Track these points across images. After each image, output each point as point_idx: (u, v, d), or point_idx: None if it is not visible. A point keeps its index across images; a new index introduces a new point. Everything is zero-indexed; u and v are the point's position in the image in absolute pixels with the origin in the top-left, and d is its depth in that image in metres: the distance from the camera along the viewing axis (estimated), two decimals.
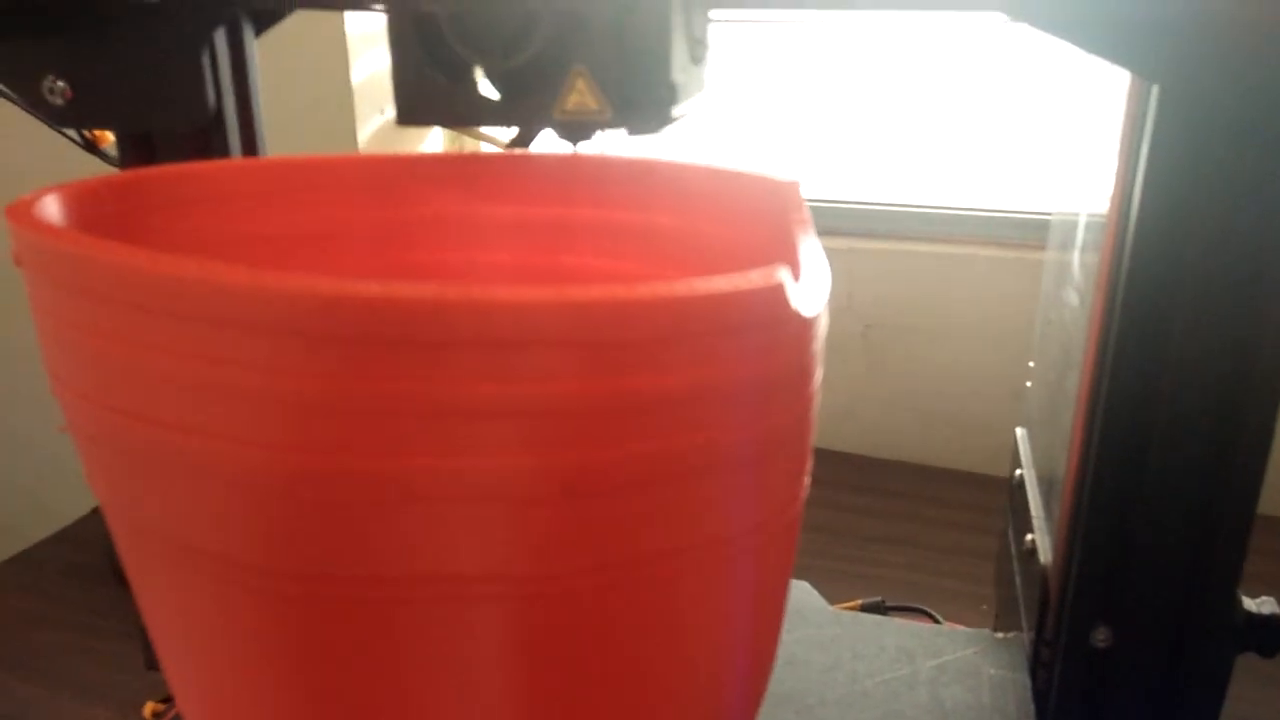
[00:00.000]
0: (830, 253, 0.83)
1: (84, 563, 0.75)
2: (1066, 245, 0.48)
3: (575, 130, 0.26)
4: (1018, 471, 0.54)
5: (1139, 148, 0.33)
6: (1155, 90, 0.31)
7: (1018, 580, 0.49)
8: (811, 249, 0.28)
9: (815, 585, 0.50)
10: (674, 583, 0.25)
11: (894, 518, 0.89)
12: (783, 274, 0.22)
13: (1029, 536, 0.47)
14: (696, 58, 0.27)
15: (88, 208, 0.28)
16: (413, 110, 0.26)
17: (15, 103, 0.33)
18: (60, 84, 0.32)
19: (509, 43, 0.25)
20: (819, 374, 0.26)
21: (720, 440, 0.23)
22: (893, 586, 0.79)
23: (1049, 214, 0.55)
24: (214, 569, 0.24)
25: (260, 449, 0.22)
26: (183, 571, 0.25)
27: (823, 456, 0.92)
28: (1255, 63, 0.29)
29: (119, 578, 0.69)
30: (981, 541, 0.64)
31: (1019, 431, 0.57)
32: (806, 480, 0.28)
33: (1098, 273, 0.37)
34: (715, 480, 0.24)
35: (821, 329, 0.25)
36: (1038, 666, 0.43)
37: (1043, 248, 0.54)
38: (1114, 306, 0.35)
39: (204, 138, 0.36)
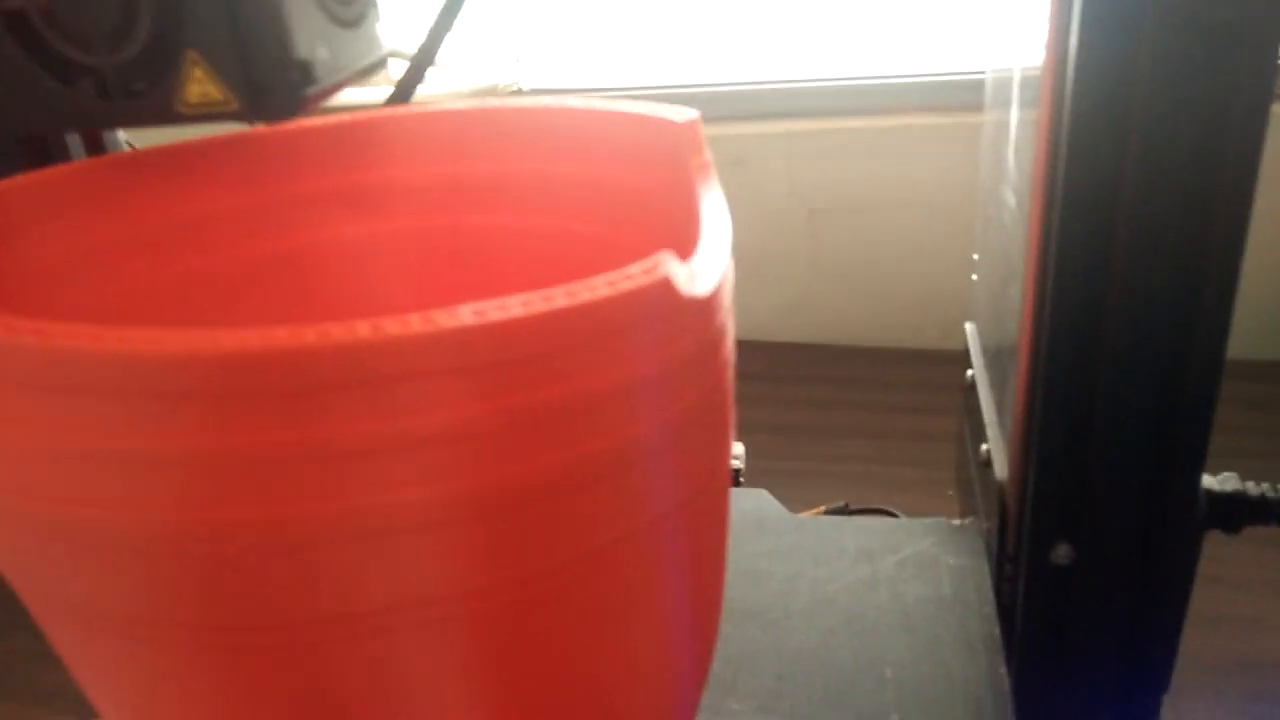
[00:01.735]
0: (768, 138, 0.79)
1: None
2: (1003, 104, 0.44)
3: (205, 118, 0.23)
4: (969, 372, 0.52)
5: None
6: None
7: (976, 488, 0.48)
8: (712, 199, 0.26)
9: (775, 490, 0.48)
10: (606, 577, 0.23)
11: (850, 408, 0.86)
12: (668, 263, 0.19)
13: (984, 447, 0.45)
14: (348, 21, 0.24)
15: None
16: (16, 118, 0.23)
17: None
18: None
19: (113, 34, 0.22)
20: (730, 338, 0.23)
21: (632, 435, 0.21)
22: (853, 482, 0.77)
23: (984, 73, 0.50)
24: (123, 630, 0.23)
25: (139, 511, 0.21)
26: (96, 636, 0.24)
27: (774, 349, 0.90)
28: None
29: None
30: (940, 424, 0.63)
31: (969, 327, 0.54)
32: (732, 442, 0.26)
33: (1036, 138, 0.35)
34: (633, 473, 0.21)
35: (726, 295, 0.22)
36: (1002, 582, 0.42)
37: (981, 109, 0.50)
38: (1055, 179, 0.33)
39: None
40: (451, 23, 0.34)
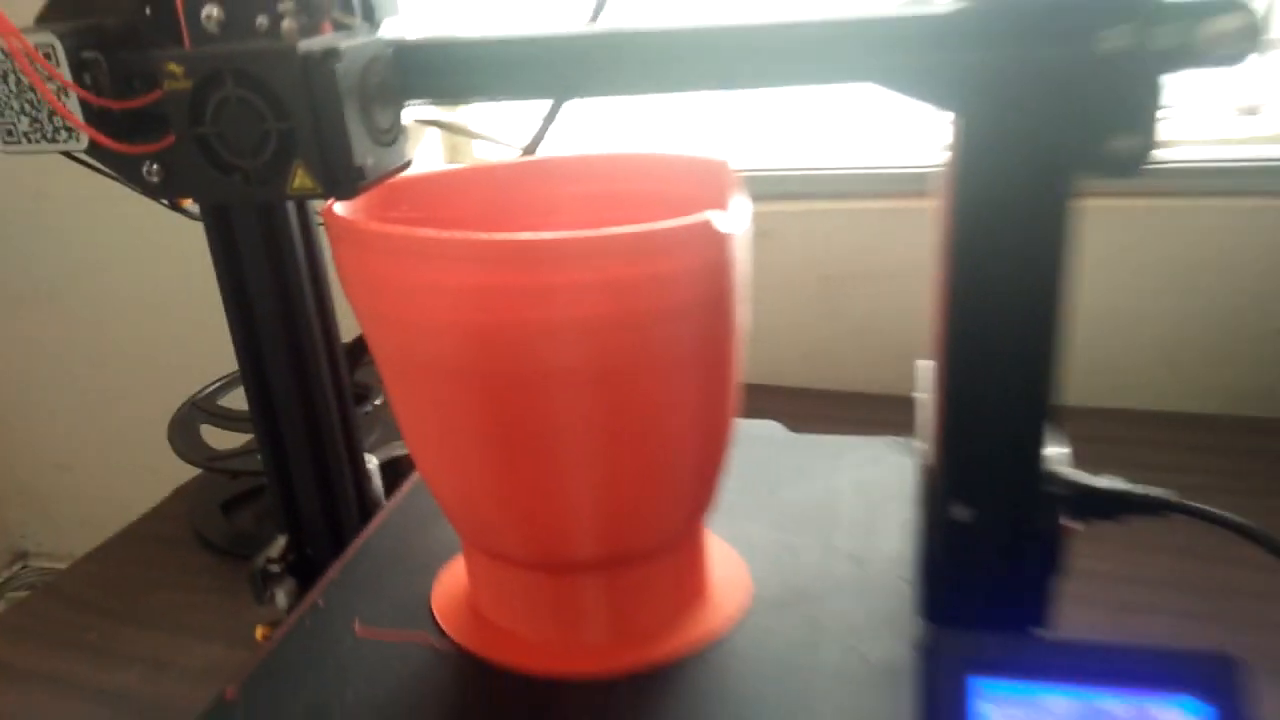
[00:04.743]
0: (789, 215, 0.97)
1: (174, 535, 0.90)
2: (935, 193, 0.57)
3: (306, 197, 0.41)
4: (914, 394, 0.66)
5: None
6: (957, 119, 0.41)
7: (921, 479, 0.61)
8: (737, 199, 0.46)
9: None
10: (663, 375, 0.44)
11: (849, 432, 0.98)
12: (709, 215, 0.41)
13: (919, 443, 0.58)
14: (384, 142, 0.42)
15: (372, 199, 0.49)
16: (202, 194, 0.42)
17: (118, 180, 0.46)
18: (156, 167, 0.45)
19: (254, 149, 0.40)
20: (742, 260, 0.45)
21: (688, 300, 0.42)
22: None
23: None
24: (431, 373, 0.44)
25: (460, 313, 0.41)
26: (421, 376, 0.45)
27: (787, 393, 1.07)
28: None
29: (204, 545, 0.86)
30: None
31: (919, 364, 0.68)
32: (740, 317, 0.47)
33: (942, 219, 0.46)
34: (686, 322, 0.43)
35: (743, 244, 0.45)
36: (933, 546, 0.51)
37: None
38: (950, 253, 0.44)
39: None
40: (555, 118, 0.56)
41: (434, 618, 0.51)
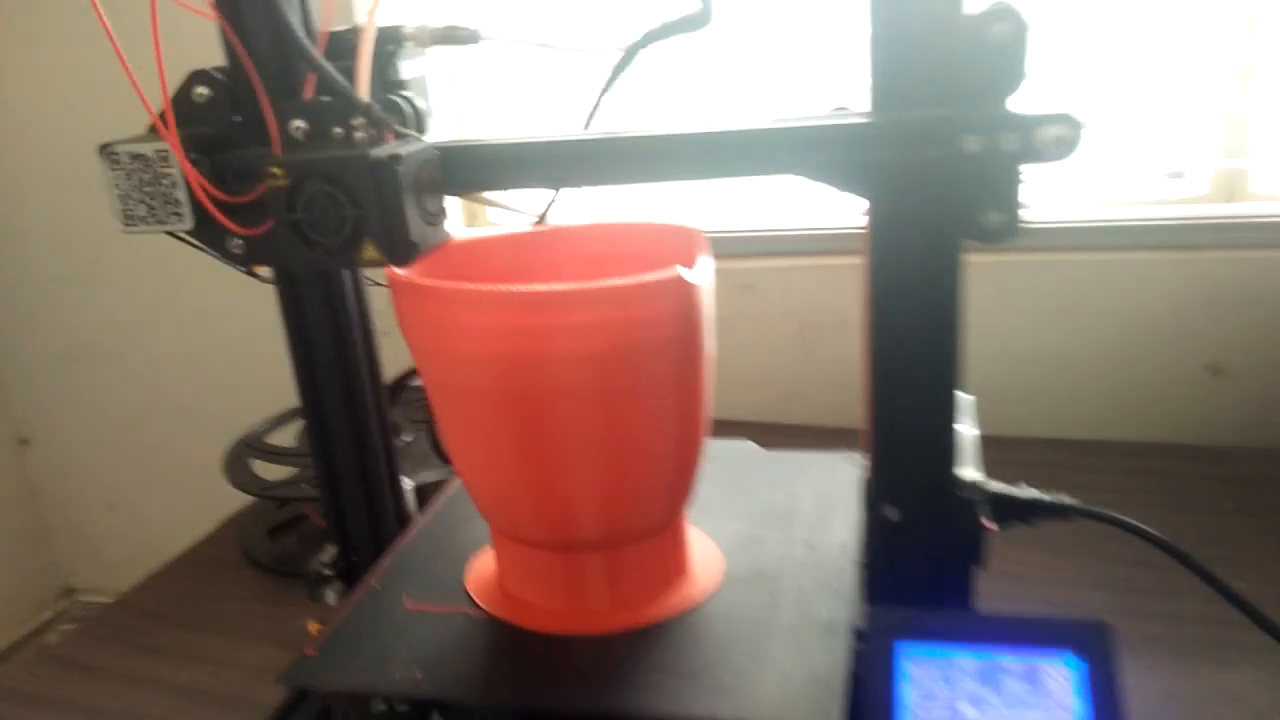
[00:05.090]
0: (770, 270, 1.12)
1: (227, 557, 1.00)
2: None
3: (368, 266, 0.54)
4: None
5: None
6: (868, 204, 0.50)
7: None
8: (704, 258, 0.57)
9: None
10: (650, 396, 0.57)
11: None
12: (679, 269, 0.53)
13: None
14: (432, 222, 0.55)
15: (429, 262, 0.58)
16: (290, 263, 0.56)
17: (206, 252, 0.57)
18: (239, 242, 0.56)
19: (335, 229, 0.53)
20: (708, 302, 0.57)
21: (665, 338, 0.55)
22: None
23: None
24: (470, 395, 0.57)
25: (489, 347, 0.54)
26: (460, 396, 0.58)
27: (770, 430, 1.22)
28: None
29: (253, 564, 0.98)
30: None
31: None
32: (708, 348, 0.59)
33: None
34: (663, 357, 0.56)
35: (708, 292, 0.57)
36: (871, 540, 0.57)
37: None
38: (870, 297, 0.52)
39: None
40: (557, 193, 0.66)
41: (468, 594, 0.64)
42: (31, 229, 1.60)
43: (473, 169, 0.55)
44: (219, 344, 1.55)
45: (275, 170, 0.52)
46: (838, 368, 1.18)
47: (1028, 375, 1.15)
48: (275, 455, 1.04)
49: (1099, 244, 1.12)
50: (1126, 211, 1.13)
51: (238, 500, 1.06)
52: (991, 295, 1.11)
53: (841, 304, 1.19)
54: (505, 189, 0.57)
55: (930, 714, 0.50)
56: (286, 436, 1.08)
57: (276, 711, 0.63)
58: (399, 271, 0.57)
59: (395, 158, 0.50)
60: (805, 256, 1.20)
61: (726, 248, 1.18)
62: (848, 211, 1.18)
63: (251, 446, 1.06)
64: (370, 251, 0.52)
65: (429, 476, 0.94)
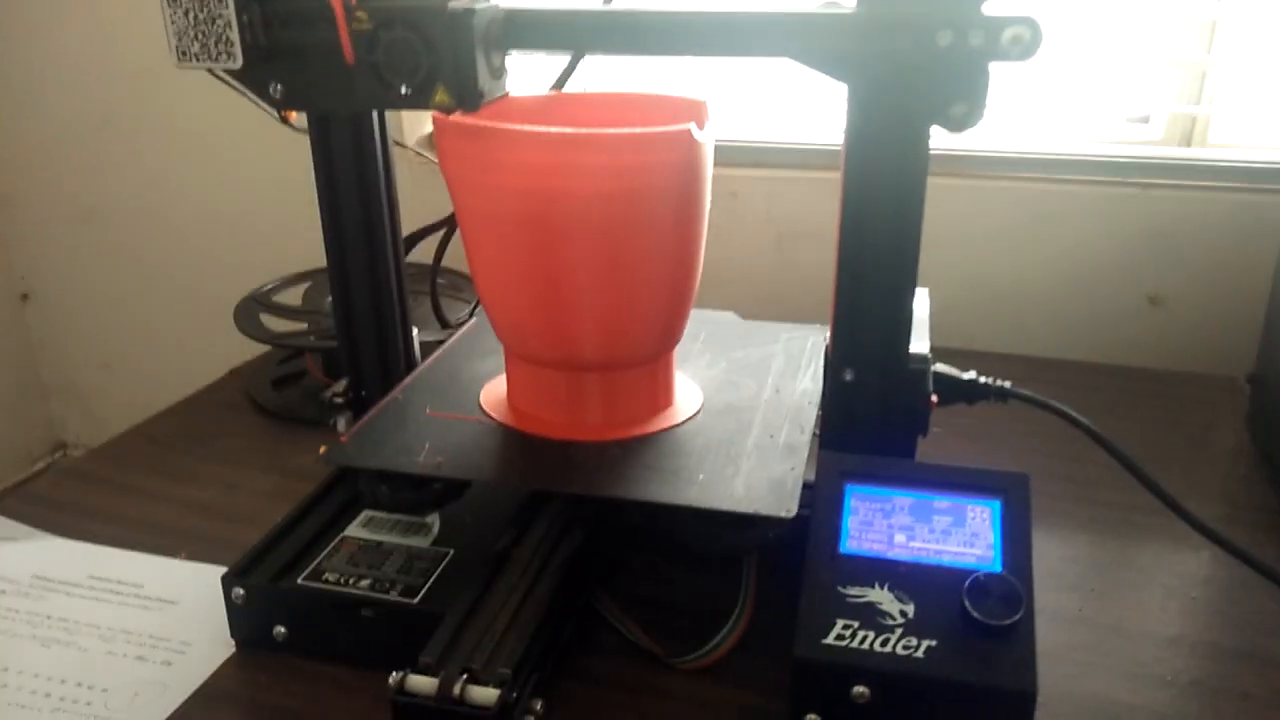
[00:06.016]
0: (754, 179, 1.20)
1: (232, 401, 1.06)
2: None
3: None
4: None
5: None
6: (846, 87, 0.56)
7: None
8: (710, 124, 0.65)
9: None
10: (651, 233, 0.65)
11: None
12: (689, 126, 0.60)
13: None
14: (496, 76, 0.61)
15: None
16: (368, 103, 0.64)
17: (248, 97, 0.63)
18: (279, 86, 0.62)
19: (410, 73, 0.58)
20: (709, 156, 0.65)
21: (670, 184, 0.63)
22: None
23: None
24: (498, 221, 0.64)
25: (515, 180, 0.62)
26: (488, 223, 0.66)
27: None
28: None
29: (258, 410, 1.05)
30: None
31: None
32: (704, 203, 0.67)
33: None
34: (668, 198, 0.63)
35: (709, 140, 0.65)
36: (832, 397, 0.64)
37: None
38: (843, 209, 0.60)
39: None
40: (574, 69, 0.74)
41: (482, 408, 0.73)
42: (39, 86, 1.63)
43: (529, 30, 0.62)
44: (221, 215, 1.60)
45: (360, 15, 0.58)
46: (812, 275, 1.24)
47: (983, 296, 1.23)
48: (283, 311, 1.11)
49: (1057, 175, 1.19)
50: (1085, 147, 1.20)
51: (229, 367, 1.14)
52: (957, 217, 1.19)
53: (818, 216, 1.26)
54: (550, 50, 0.65)
55: (867, 537, 0.58)
56: (292, 297, 1.15)
57: (301, 503, 0.71)
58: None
59: (470, 11, 0.57)
60: (788, 169, 1.27)
61: (718, 156, 1.24)
62: (830, 128, 1.26)
63: (259, 302, 1.12)
64: (442, 95, 0.59)
65: (428, 336, 1.01)
